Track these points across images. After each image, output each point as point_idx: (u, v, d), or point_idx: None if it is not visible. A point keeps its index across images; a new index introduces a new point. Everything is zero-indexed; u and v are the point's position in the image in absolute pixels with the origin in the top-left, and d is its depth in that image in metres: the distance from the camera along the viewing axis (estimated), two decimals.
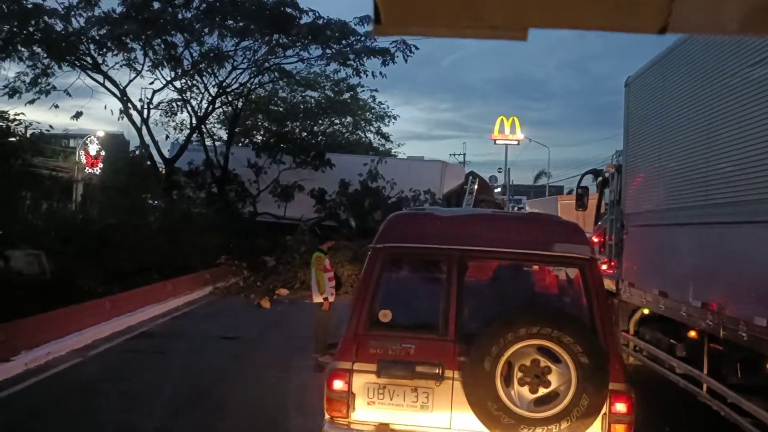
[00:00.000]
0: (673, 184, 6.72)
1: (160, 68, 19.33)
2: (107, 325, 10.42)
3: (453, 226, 4.40)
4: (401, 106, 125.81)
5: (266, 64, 20.70)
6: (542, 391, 3.67)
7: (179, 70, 19.73)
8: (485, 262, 4.48)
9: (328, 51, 19.90)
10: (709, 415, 5.69)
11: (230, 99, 22.67)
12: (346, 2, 19.73)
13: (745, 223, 5.04)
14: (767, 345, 4.57)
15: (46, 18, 16.99)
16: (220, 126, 27.60)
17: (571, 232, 4.28)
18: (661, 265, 7.03)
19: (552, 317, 3.78)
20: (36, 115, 31.90)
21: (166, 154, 22.39)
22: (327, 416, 3.95)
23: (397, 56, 19.26)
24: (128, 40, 17.89)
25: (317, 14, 18.69)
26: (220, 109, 24.32)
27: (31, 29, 17.11)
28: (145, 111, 20.73)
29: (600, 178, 10.97)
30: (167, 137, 24.90)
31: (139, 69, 19.31)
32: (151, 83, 19.99)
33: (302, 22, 18.64)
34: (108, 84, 19.30)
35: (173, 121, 24.75)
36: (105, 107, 25.75)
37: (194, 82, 21.06)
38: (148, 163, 21.87)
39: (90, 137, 27.53)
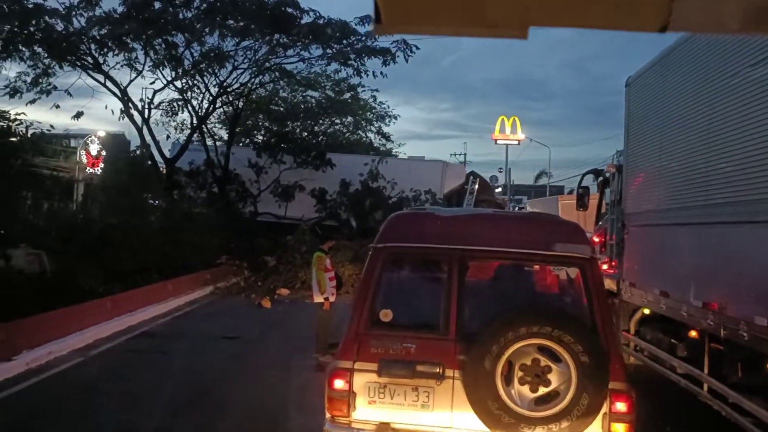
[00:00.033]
0: (674, 184, 6.72)
1: (160, 68, 19.33)
2: (108, 325, 10.43)
3: (454, 225, 4.41)
4: (401, 106, 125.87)
5: (267, 64, 20.72)
6: (542, 390, 3.67)
7: (180, 70, 19.73)
8: (486, 261, 4.48)
9: (328, 51, 19.91)
10: (710, 415, 5.69)
11: (231, 99, 22.69)
12: (346, 2, 19.76)
13: (745, 223, 5.04)
14: None
15: (46, 18, 17.00)
16: (220, 126, 27.64)
17: (572, 232, 4.28)
18: (661, 265, 7.03)
19: (552, 316, 3.78)
20: (37, 115, 31.93)
21: (167, 154, 22.38)
22: (328, 415, 3.96)
23: (398, 56, 19.30)
24: (129, 40, 17.90)
25: (318, 14, 18.72)
26: (221, 109, 24.35)
27: (32, 29, 17.12)
28: (146, 111, 20.75)
29: (601, 178, 10.97)
30: (168, 137, 24.95)
31: (140, 69, 19.33)
32: (152, 83, 20.02)
33: (303, 21, 18.65)
34: (109, 84, 19.34)
35: (174, 120, 24.78)
36: (106, 107, 25.82)
37: (195, 81, 21.08)
38: (149, 162, 21.88)
39: (91, 137, 27.59)
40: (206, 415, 6.44)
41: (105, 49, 18.25)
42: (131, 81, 19.70)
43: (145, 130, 20.80)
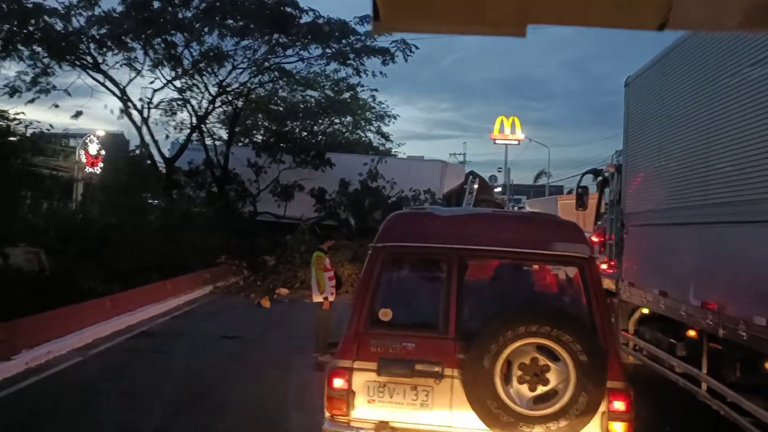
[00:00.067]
0: (673, 184, 6.72)
1: (160, 67, 19.36)
2: (107, 325, 10.43)
3: (453, 225, 4.42)
4: (401, 105, 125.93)
5: (266, 64, 20.73)
6: (541, 389, 3.67)
7: (179, 70, 19.75)
8: (485, 261, 4.48)
9: (328, 50, 19.93)
10: (708, 414, 5.70)
11: (230, 98, 22.68)
12: (346, 2, 19.74)
13: (744, 223, 5.04)
14: (767, 344, 4.58)
15: (46, 17, 17.01)
16: (220, 125, 27.60)
17: (571, 232, 4.29)
18: (660, 265, 7.04)
19: (551, 316, 3.78)
20: (36, 115, 31.88)
21: (166, 154, 22.39)
22: (327, 414, 3.96)
23: (397, 56, 19.34)
24: (128, 40, 17.92)
25: (317, 14, 18.75)
26: (220, 109, 24.35)
27: (31, 28, 17.12)
28: (145, 110, 20.76)
29: (600, 178, 10.97)
30: (167, 137, 24.88)
31: (139, 68, 19.36)
32: (151, 82, 20.04)
33: (302, 21, 18.67)
34: (108, 83, 19.36)
35: (173, 120, 24.69)
36: (105, 106, 25.98)
37: (194, 81, 21.09)
38: (148, 162, 21.88)
39: (90, 136, 27.56)
40: (206, 415, 6.43)
41: (104, 49, 18.27)
42: (130, 80, 19.76)
43: (144, 130, 20.86)
